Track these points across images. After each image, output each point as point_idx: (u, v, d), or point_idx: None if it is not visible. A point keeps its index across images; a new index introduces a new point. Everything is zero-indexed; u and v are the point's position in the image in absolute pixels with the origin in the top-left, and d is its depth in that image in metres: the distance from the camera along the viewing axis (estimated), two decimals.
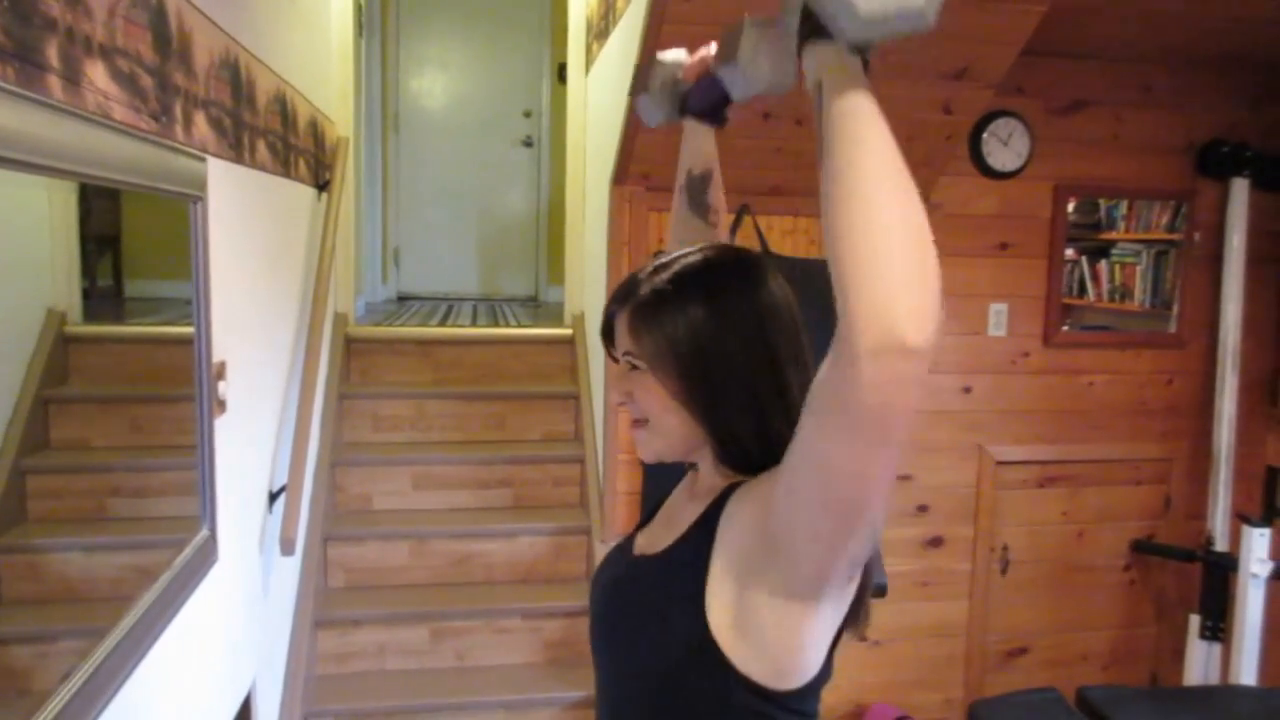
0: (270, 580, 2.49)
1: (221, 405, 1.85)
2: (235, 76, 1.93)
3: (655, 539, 1.01)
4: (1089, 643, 3.52)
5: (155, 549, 1.57)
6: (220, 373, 1.83)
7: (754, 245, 2.61)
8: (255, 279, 2.23)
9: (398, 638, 3.06)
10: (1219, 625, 3.20)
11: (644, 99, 1.23)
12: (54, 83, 1.07)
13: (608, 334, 1.01)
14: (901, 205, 0.68)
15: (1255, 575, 3.05)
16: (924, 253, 0.68)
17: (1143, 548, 3.46)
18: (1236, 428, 3.31)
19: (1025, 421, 3.35)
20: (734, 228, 2.73)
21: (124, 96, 1.28)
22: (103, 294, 1.54)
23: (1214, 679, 3.23)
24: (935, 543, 3.34)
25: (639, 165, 2.91)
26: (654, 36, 2.33)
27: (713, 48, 1.08)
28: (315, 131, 3.04)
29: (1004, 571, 3.41)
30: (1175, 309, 3.40)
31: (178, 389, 1.69)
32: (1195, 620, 3.27)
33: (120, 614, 1.34)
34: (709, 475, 0.99)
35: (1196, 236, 3.36)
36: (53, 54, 1.07)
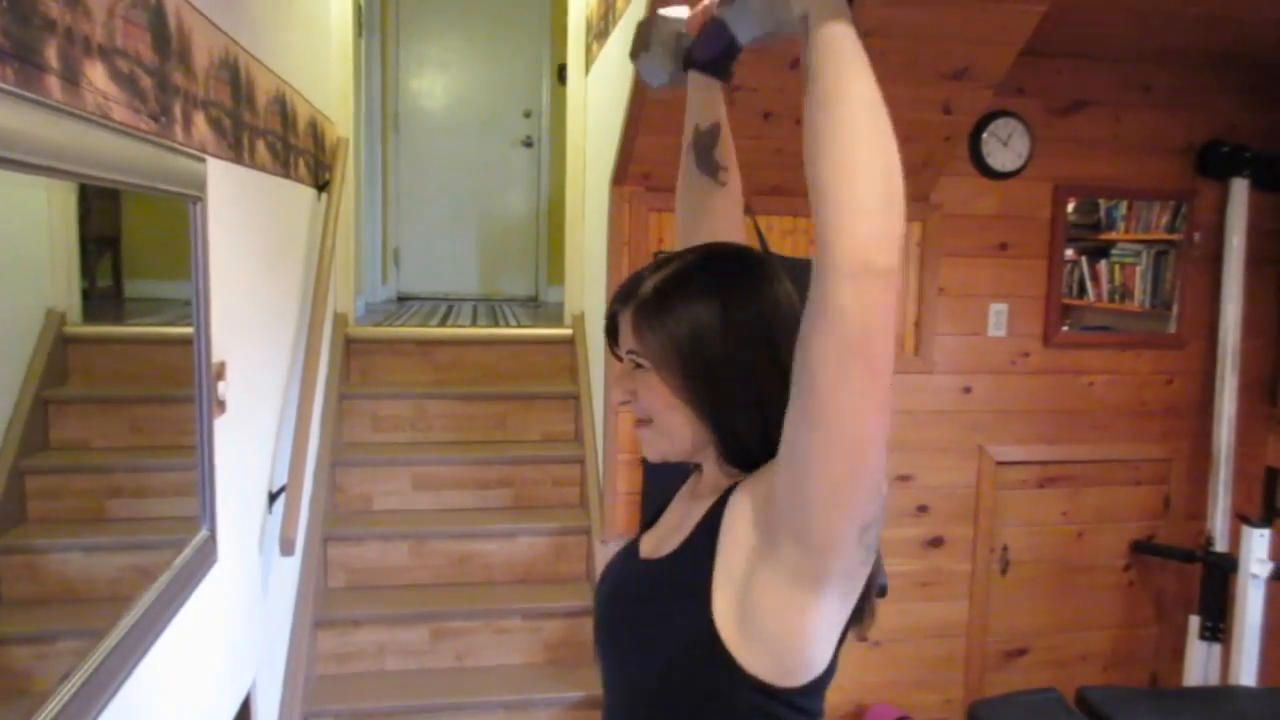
0: (270, 580, 2.49)
1: (221, 405, 1.85)
2: (235, 77, 1.93)
3: (660, 543, 1.01)
4: (1089, 643, 3.52)
5: (155, 549, 1.57)
6: (220, 373, 1.83)
7: (754, 245, 2.61)
8: (255, 279, 2.23)
9: (398, 638, 3.06)
10: (1219, 626, 3.20)
11: (646, 58, 1.19)
12: (53, 83, 1.07)
13: (612, 333, 1.01)
14: (879, 143, 0.73)
15: (1255, 576, 3.05)
16: (896, 185, 0.73)
17: (1143, 548, 3.46)
18: (1236, 428, 3.31)
19: (1025, 422, 3.35)
20: None
21: (123, 97, 1.28)
22: (102, 294, 1.54)
23: (1214, 679, 3.23)
24: (935, 543, 3.34)
25: (639, 165, 2.91)
26: None
27: None
28: (315, 132, 3.04)
29: (1004, 572, 3.41)
30: (1175, 309, 3.40)
31: (177, 389, 1.69)
32: (1195, 621, 3.27)
33: (120, 614, 1.34)
34: (712, 476, 0.99)
35: (1196, 237, 3.36)
36: (52, 54, 1.07)
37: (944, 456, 3.30)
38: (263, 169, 2.24)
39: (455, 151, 5.47)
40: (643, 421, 0.98)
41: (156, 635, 1.46)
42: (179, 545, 1.63)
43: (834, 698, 0.95)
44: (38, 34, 1.04)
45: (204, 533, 1.74)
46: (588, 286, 3.90)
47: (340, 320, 3.69)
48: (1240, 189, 3.27)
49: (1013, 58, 2.56)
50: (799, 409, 0.78)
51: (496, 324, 4.41)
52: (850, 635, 0.93)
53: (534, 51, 5.48)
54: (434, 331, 4.07)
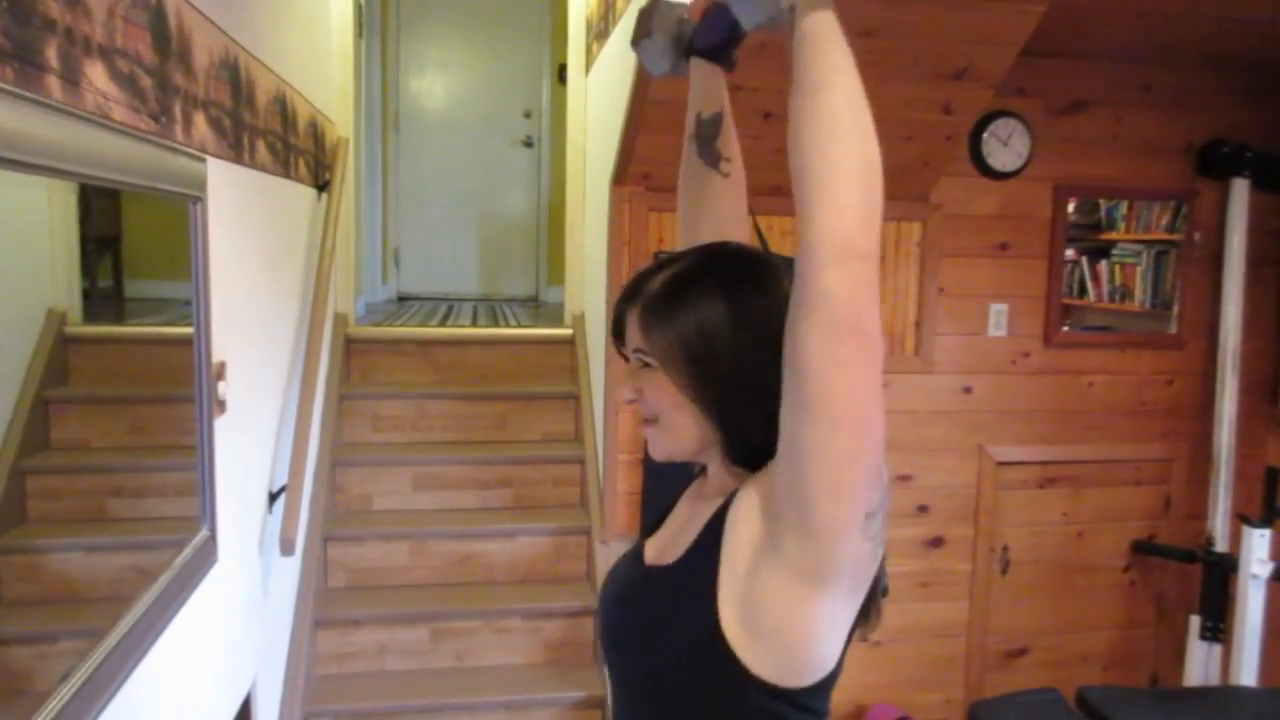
0: (270, 580, 2.49)
1: (221, 405, 1.85)
2: (235, 77, 1.93)
3: (665, 548, 1.01)
4: (1089, 643, 3.52)
5: (155, 549, 1.57)
6: (220, 373, 1.83)
7: (754, 244, 2.61)
8: (255, 279, 2.23)
9: (398, 638, 3.06)
10: (1219, 626, 3.20)
11: (648, 45, 1.17)
12: (53, 83, 1.07)
13: (618, 332, 1.01)
14: (859, 131, 0.76)
15: (1255, 576, 3.05)
16: (875, 172, 0.77)
17: (1143, 548, 3.46)
18: (1237, 428, 3.31)
19: (1025, 422, 3.35)
20: None
21: (123, 97, 1.28)
22: (103, 294, 1.54)
23: (1214, 680, 3.23)
24: (936, 543, 3.34)
25: (639, 165, 2.91)
26: None
27: None
28: (315, 132, 3.04)
29: (1004, 572, 3.41)
30: (1175, 309, 3.40)
31: (178, 389, 1.69)
32: (1195, 621, 3.26)
33: (120, 614, 1.34)
34: (717, 477, 0.98)
35: (1197, 237, 3.36)
36: (52, 54, 1.07)
37: (944, 456, 3.30)
38: (263, 169, 2.24)
39: (455, 151, 5.47)
40: (648, 420, 0.98)
41: (157, 635, 1.46)
42: (179, 545, 1.63)
43: (834, 697, 0.95)
44: (38, 34, 1.04)
45: (204, 533, 1.74)
46: (588, 286, 3.90)
47: (340, 320, 3.69)
48: (1241, 189, 3.27)
49: (1013, 58, 2.56)
50: (793, 397, 0.79)
51: (497, 324, 4.41)
52: (854, 635, 0.93)
53: (534, 51, 5.48)
54: (434, 331, 4.07)
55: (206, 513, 1.75)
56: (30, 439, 1.19)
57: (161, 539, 1.62)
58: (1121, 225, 3.43)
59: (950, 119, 2.76)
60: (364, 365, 3.70)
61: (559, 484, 3.45)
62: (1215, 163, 3.29)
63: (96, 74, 1.20)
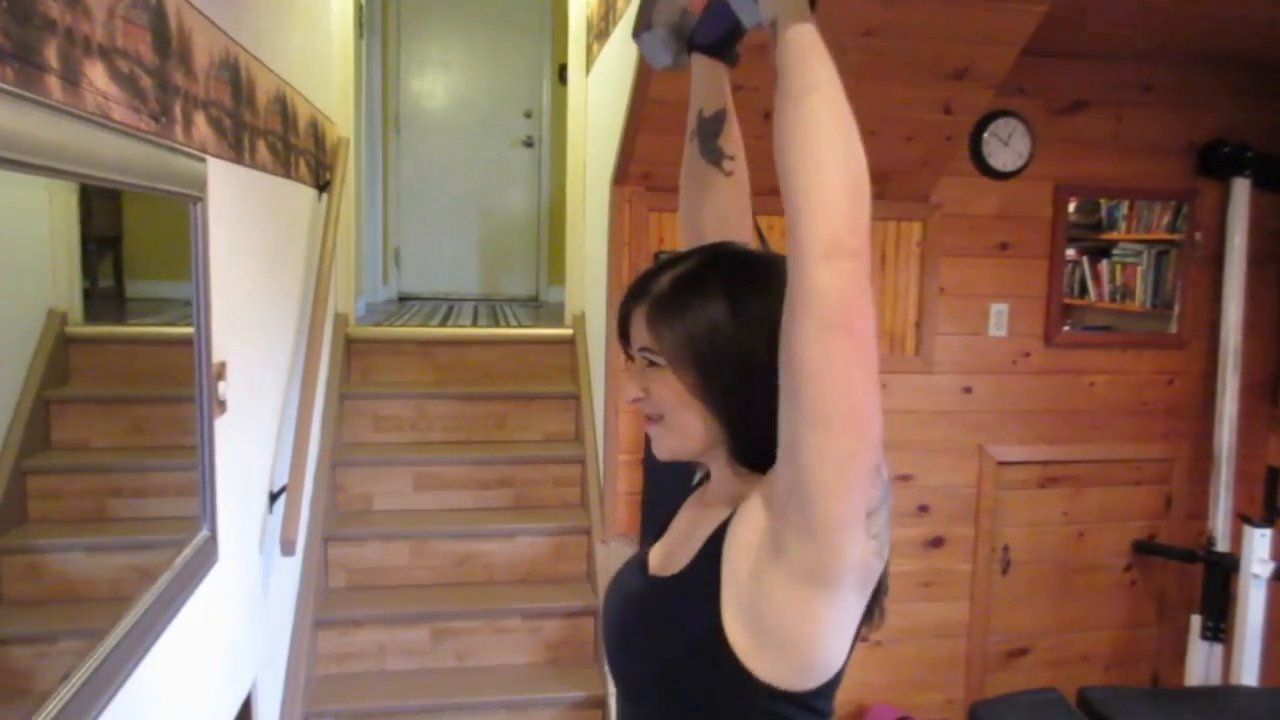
0: (271, 580, 2.49)
1: (222, 405, 1.85)
2: (235, 77, 1.93)
3: (669, 556, 1.00)
4: (1090, 643, 3.51)
5: (155, 549, 1.57)
6: (220, 373, 1.83)
7: (754, 246, 2.61)
8: (255, 279, 2.23)
9: (398, 638, 3.06)
10: (1220, 626, 3.20)
11: (649, 37, 1.14)
12: (53, 83, 1.07)
13: (624, 331, 1.00)
14: (842, 136, 0.78)
15: (1256, 576, 3.05)
16: (860, 171, 0.78)
17: (1144, 548, 3.46)
18: (1238, 428, 3.31)
19: (1026, 422, 3.35)
20: None
21: (123, 97, 1.28)
22: (104, 295, 1.54)
23: (1215, 679, 3.23)
24: (936, 543, 3.34)
25: (639, 165, 2.91)
26: None
27: None
28: (315, 132, 3.04)
29: (1005, 572, 3.41)
30: (1176, 309, 3.40)
31: (178, 389, 1.69)
32: (1196, 620, 3.26)
33: (120, 614, 1.34)
34: (721, 481, 0.98)
35: (1198, 237, 3.36)
36: (52, 55, 1.07)
37: (944, 456, 3.30)
38: (263, 169, 2.24)
39: (456, 151, 5.47)
40: (653, 419, 0.97)
41: (157, 635, 1.46)
42: (179, 545, 1.63)
43: (835, 697, 0.95)
44: (38, 34, 1.04)
45: (204, 533, 1.74)
46: (588, 287, 3.90)
47: (341, 320, 3.69)
48: (1242, 189, 3.27)
49: (1013, 57, 2.56)
50: (789, 397, 0.79)
51: (497, 324, 4.41)
52: (859, 636, 0.93)
53: (535, 51, 5.48)
54: (434, 331, 4.07)
55: (207, 513, 1.75)
56: (31, 439, 1.19)
57: (162, 539, 1.62)
58: (1122, 225, 3.43)
59: (951, 119, 2.76)
60: (364, 365, 3.71)
61: (559, 484, 3.45)
62: (1216, 162, 3.29)
63: (96, 74, 1.20)
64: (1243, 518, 3.18)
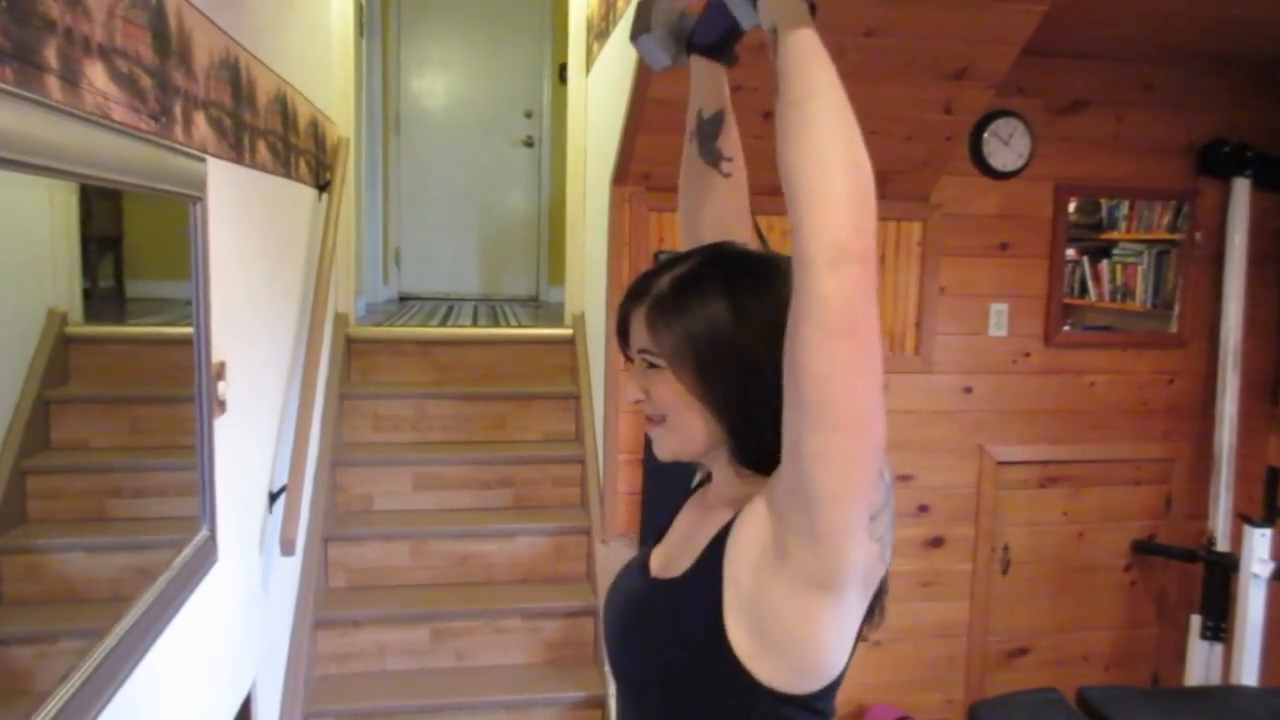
0: (270, 580, 2.49)
1: (221, 405, 1.85)
2: (235, 77, 1.93)
3: (670, 559, 1.00)
4: (1090, 643, 3.51)
5: (155, 549, 1.57)
6: (220, 373, 1.83)
7: (753, 246, 2.61)
8: (255, 279, 2.23)
9: (398, 638, 3.06)
10: (1220, 625, 3.20)
11: (647, 39, 1.14)
12: (53, 83, 1.07)
13: (623, 332, 1.00)
14: (846, 141, 0.78)
15: (1256, 575, 3.05)
16: (865, 176, 0.78)
17: (1144, 548, 3.46)
18: (1238, 428, 3.31)
19: (1026, 421, 3.34)
20: None
21: (123, 97, 1.28)
22: (104, 294, 1.53)
23: (1215, 679, 3.23)
24: (936, 543, 3.34)
25: (639, 165, 2.91)
26: None
27: None
28: (316, 132, 3.04)
29: (1005, 572, 3.41)
30: (1176, 309, 3.40)
31: (178, 389, 1.69)
32: (1196, 620, 3.26)
33: (120, 614, 1.34)
34: (723, 482, 0.98)
35: (1198, 236, 3.36)
36: (51, 55, 1.07)
37: (944, 456, 3.30)
38: (263, 169, 2.24)
39: (456, 151, 5.47)
40: (654, 420, 0.97)
41: (156, 635, 1.46)
42: (179, 545, 1.63)
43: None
44: (37, 34, 1.04)
45: (204, 533, 1.74)
46: (588, 286, 3.90)
47: (341, 320, 3.69)
48: (1242, 188, 3.27)
49: (1013, 57, 2.56)
50: (794, 402, 0.79)
51: (497, 324, 4.41)
52: (860, 636, 0.93)
53: (535, 51, 5.48)
54: (435, 331, 4.07)
55: (206, 513, 1.75)
56: (31, 439, 1.19)
57: (161, 539, 1.62)
58: (1122, 225, 3.43)
59: (951, 118, 2.76)
60: (364, 365, 3.70)
61: (559, 484, 3.45)
62: (1216, 162, 3.29)
63: (96, 74, 1.20)
64: (1243, 517, 3.18)
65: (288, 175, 2.58)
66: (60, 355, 1.27)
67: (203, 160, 1.66)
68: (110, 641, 1.28)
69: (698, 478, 1.13)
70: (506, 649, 3.11)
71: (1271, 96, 3.33)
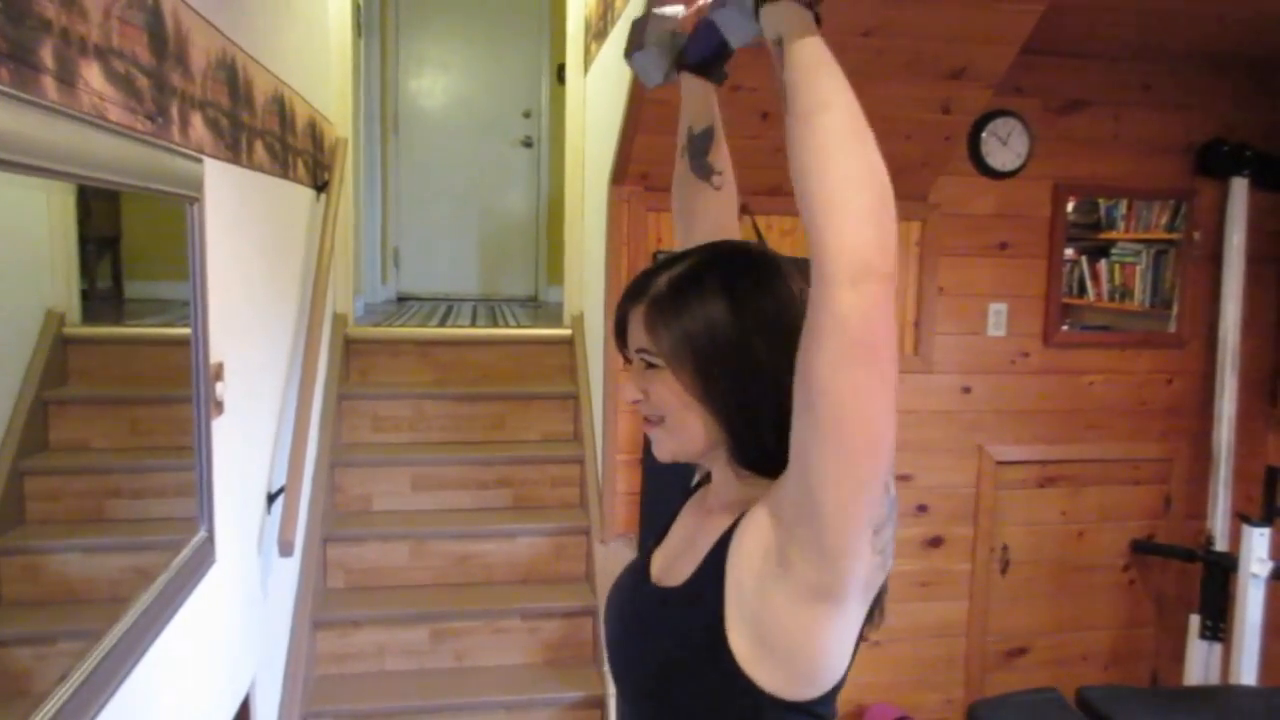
0: (269, 581, 2.49)
1: (219, 406, 1.85)
2: (232, 77, 1.93)
3: (670, 564, 1.00)
4: (1089, 643, 3.51)
5: (153, 550, 1.57)
6: (218, 374, 1.83)
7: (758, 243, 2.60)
8: (253, 280, 2.23)
9: (397, 638, 3.06)
10: (1219, 625, 3.20)
11: (641, 56, 1.18)
12: (49, 84, 1.07)
13: (621, 332, 1.00)
14: (861, 150, 0.76)
15: (1255, 575, 3.05)
16: (883, 190, 0.75)
17: (1143, 548, 3.46)
18: (1236, 427, 3.31)
19: (1025, 421, 3.34)
20: None
21: (119, 98, 1.28)
22: (102, 295, 1.53)
23: (1214, 679, 3.23)
24: (935, 543, 3.34)
25: (637, 165, 2.91)
26: None
27: None
28: (314, 132, 3.04)
29: (1004, 571, 3.41)
30: (1175, 309, 3.40)
31: (176, 390, 1.69)
32: (1195, 620, 3.26)
33: (118, 615, 1.34)
34: (722, 483, 0.98)
35: (1196, 236, 3.36)
36: (47, 55, 1.07)
37: (944, 456, 3.30)
38: (261, 169, 2.23)
39: (455, 151, 5.47)
40: (653, 421, 0.97)
41: (155, 636, 1.46)
42: (177, 546, 1.63)
43: None
44: (33, 34, 1.04)
45: (202, 533, 1.74)
46: (587, 286, 3.90)
47: (339, 321, 3.69)
48: (1240, 188, 3.27)
49: (1012, 57, 2.56)
50: (805, 418, 0.78)
51: (496, 324, 4.41)
52: (861, 639, 0.93)
53: (533, 51, 5.48)
54: (433, 332, 4.07)
55: (204, 514, 1.75)
56: (29, 440, 1.19)
57: (160, 540, 1.62)
58: (1121, 224, 3.43)
59: (949, 118, 2.76)
60: (363, 365, 3.70)
61: (558, 484, 3.45)
62: (1215, 162, 3.29)
63: (92, 75, 1.20)
64: (1241, 517, 3.18)
65: (285, 176, 2.58)
66: (58, 356, 1.27)
67: (200, 161, 1.65)
68: (108, 642, 1.27)
69: (696, 478, 1.13)
70: (506, 649, 3.11)
71: (1270, 96, 3.33)
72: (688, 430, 0.94)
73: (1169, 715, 2.75)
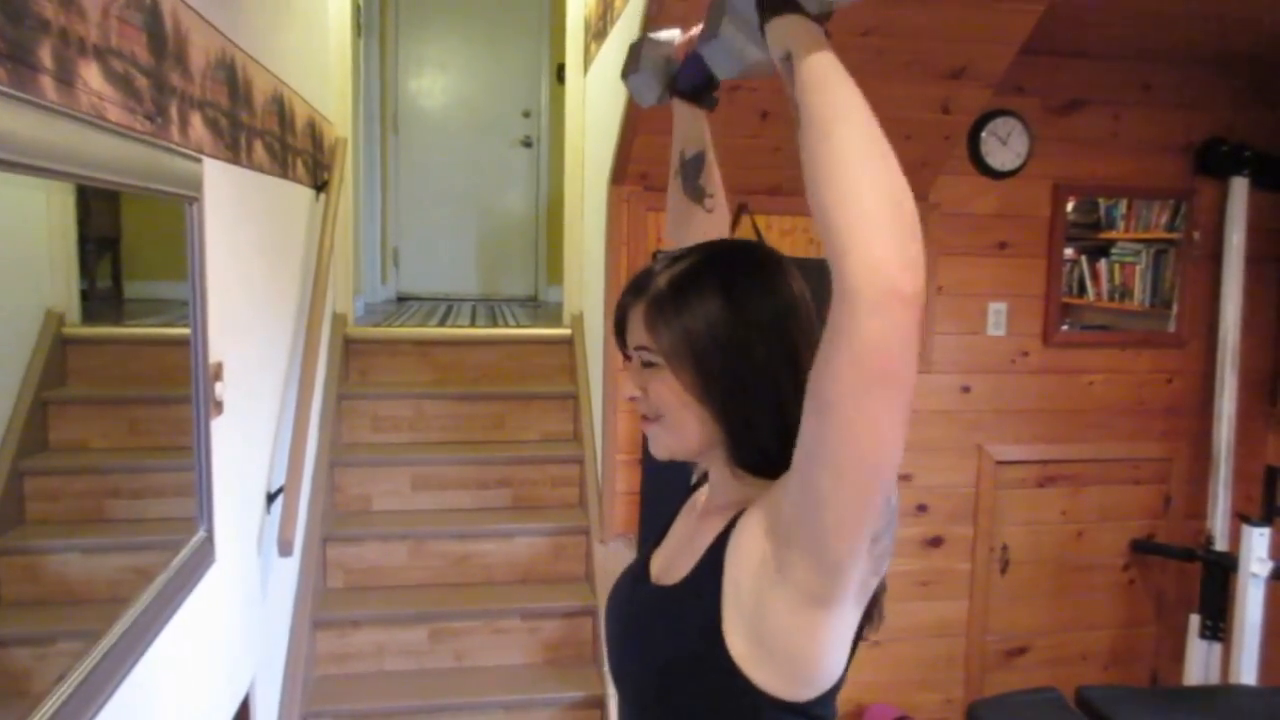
0: (269, 581, 2.49)
1: (219, 406, 1.85)
2: (232, 77, 1.92)
3: (670, 565, 1.00)
4: (1089, 642, 3.51)
5: (153, 550, 1.57)
6: (217, 374, 1.83)
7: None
8: (253, 280, 2.23)
9: (397, 638, 3.06)
10: (1219, 624, 3.20)
11: (636, 79, 1.22)
12: (47, 84, 1.07)
13: (620, 329, 0.99)
14: (881, 165, 0.72)
15: (1255, 574, 3.05)
16: (906, 206, 0.71)
17: (1142, 547, 3.46)
18: (1236, 427, 3.31)
19: (1024, 421, 3.34)
20: (732, 227, 2.73)
21: (118, 97, 1.28)
22: (102, 295, 1.53)
23: (1214, 678, 3.23)
24: (935, 542, 3.34)
25: (637, 165, 2.91)
26: None
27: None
28: (313, 132, 3.04)
29: (1004, 571, 3.41)
30: (1175, 308, 3.40)
31: (176, 390, 1.69)
32: (1195, 619, 3.26)
33: (117, 615, 1.34)
34: (720, 484, 0.98)
35: (1196, 236, 3.36)
36: (46, 55, 1.07)
37: (943, 456, 3.30)
38: (260, 169, 2.23)
39: (454, 151, 5.47)
40: (650, 418, 0.97)
41: (154, 636, 1.45)
42: (177, 546, 1.63)
43: None
44: (31, 34, 1.04)
45: (201, 533, 1.73)
46: (587, 286, 3.90)
47: (339, 320, 3.69)
48: (1240, 188, 3.27)
49: (1012, 57, 2.56)
50: (813, 436, 0.76)
51: (495, 324, 4.41)
52: (860, 639, 0.93)
53: (533, 51, 5.48)
54: (433, 332, 4.07)
55: (204, 513, 1.75)
56: (29, 440, 1.19)
57: (159, 540, 1.61)
58: (1121, 224, 3.43)
59: (949, 118, 2.76)
60: (363, 365, 3.70)
61: (558, 484, 3.45)
62: (1214, 161, 3.29)
63: (91, 74, 1.20)
64: (1241, 517, 3.18)
65: (285, 175, 2.58)
66: (58, 356, 1.27)
67: (199, 161, 1.65)
68: (107, 642, 1.27)
69: (694, 478, 1.13)
70: (505, 649, 3.11)
71: (1269, 96, 3.33)
72: (685, 429, 0.94)
73: (1169, 715, 2.75)
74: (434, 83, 5.47)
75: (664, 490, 1.14)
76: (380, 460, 3.38)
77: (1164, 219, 3.40)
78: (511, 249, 5.63)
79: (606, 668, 1.04)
